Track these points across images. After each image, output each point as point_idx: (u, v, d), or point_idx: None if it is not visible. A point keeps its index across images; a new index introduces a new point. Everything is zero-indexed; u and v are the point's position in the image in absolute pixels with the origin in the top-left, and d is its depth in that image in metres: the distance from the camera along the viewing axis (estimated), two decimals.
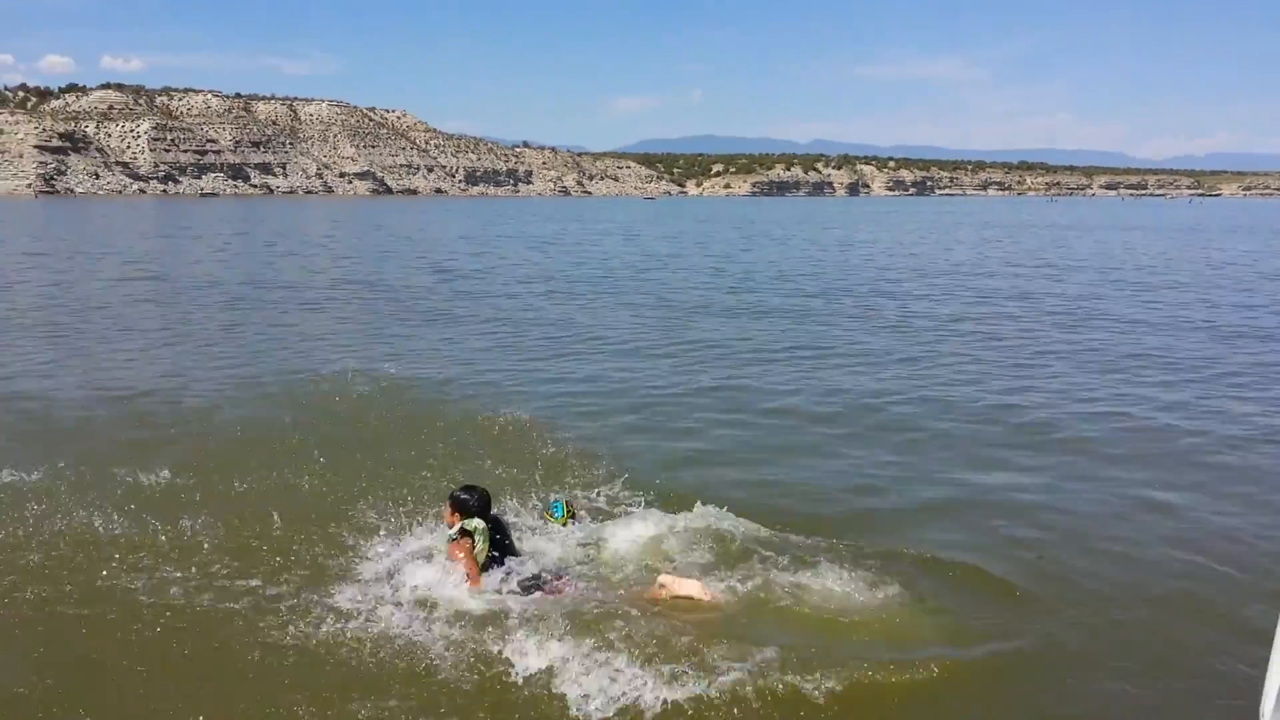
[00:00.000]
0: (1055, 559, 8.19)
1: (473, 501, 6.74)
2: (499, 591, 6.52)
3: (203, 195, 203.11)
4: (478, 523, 6.62)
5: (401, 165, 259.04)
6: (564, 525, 7.68)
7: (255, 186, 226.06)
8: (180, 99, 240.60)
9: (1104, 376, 15.59)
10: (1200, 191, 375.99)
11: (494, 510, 6.99)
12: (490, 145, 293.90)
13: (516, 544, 6.98)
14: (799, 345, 18.71)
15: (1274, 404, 13.77)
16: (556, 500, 7.91)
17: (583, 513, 8.20)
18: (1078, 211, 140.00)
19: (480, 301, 25.78)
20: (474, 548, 6.55)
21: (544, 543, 7.50)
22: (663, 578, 6.75)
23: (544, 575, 6.69)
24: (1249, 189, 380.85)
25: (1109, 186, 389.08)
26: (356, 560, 7.37)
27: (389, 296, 27.05)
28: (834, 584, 7.14)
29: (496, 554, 6.64)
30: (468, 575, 6.54)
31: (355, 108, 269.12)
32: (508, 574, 6.60)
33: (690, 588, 6.63)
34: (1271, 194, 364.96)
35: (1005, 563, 8.02)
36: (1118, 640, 6.81)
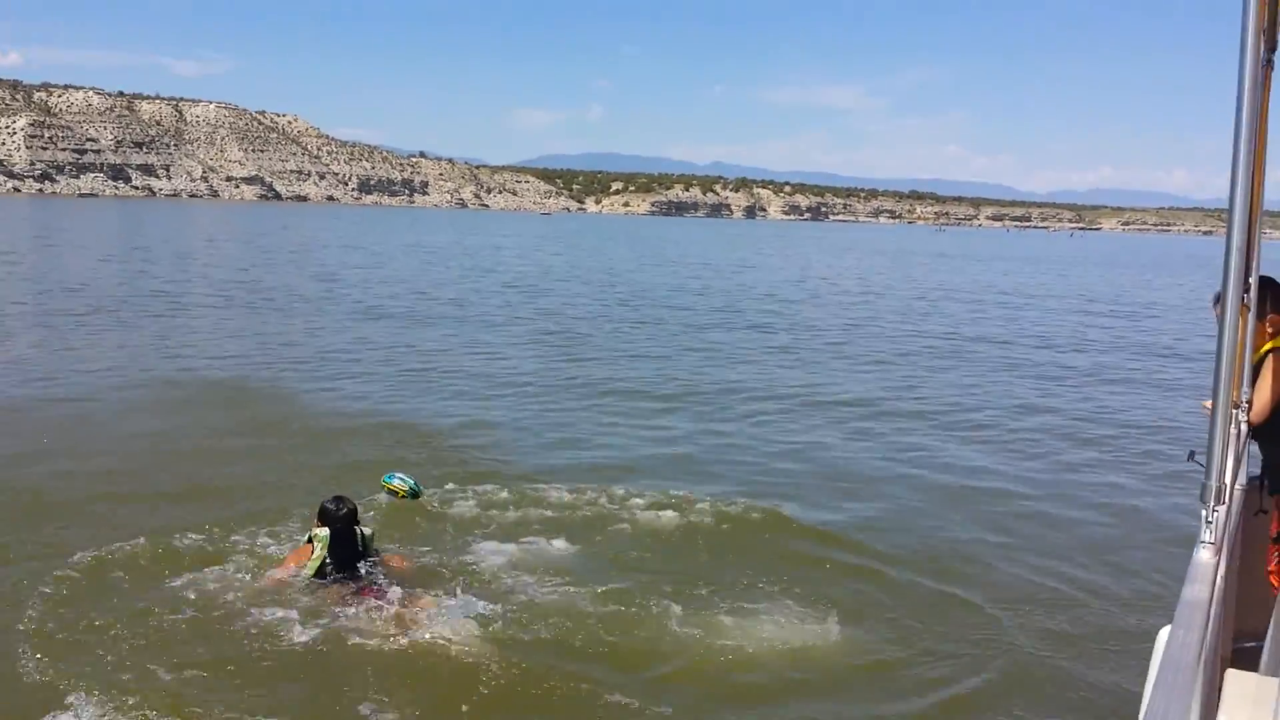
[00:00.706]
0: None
1: (334, 511, 7.25)
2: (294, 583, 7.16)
3: (81, 195, 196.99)
4: (323, 531, 7.18)
5: (292, 171, 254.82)
6: (401, 496, 8.58)
7: (137, 188, 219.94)
8: (60, 95, 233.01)
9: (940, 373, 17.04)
10: (1081, 225, 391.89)
11: (358, 523, 7.42)
12: (385, 154, 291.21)
13: (370, 558, 7.39)
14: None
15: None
16: (389, 474, 8.63)
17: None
18: (963, 242, 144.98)
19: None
20: (312, 553, 7.13)
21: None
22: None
23: (363, 580, 7.16)
24: (1127, 224, 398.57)
25: (995, 218, 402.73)
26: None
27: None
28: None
29: (330, 561, 7.12)
30: (281, 565, 7.34)
31: (244, 110, 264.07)
32: (330, 578, 7.12)
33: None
34: (1147, 229, 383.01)
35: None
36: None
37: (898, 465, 12.22)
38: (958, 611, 7.68)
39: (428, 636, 6.53)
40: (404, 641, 6.49)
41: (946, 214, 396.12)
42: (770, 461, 12.20)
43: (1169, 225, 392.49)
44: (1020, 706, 6.25)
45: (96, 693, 5.71)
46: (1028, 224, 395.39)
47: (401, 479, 8.73)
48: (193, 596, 7.01)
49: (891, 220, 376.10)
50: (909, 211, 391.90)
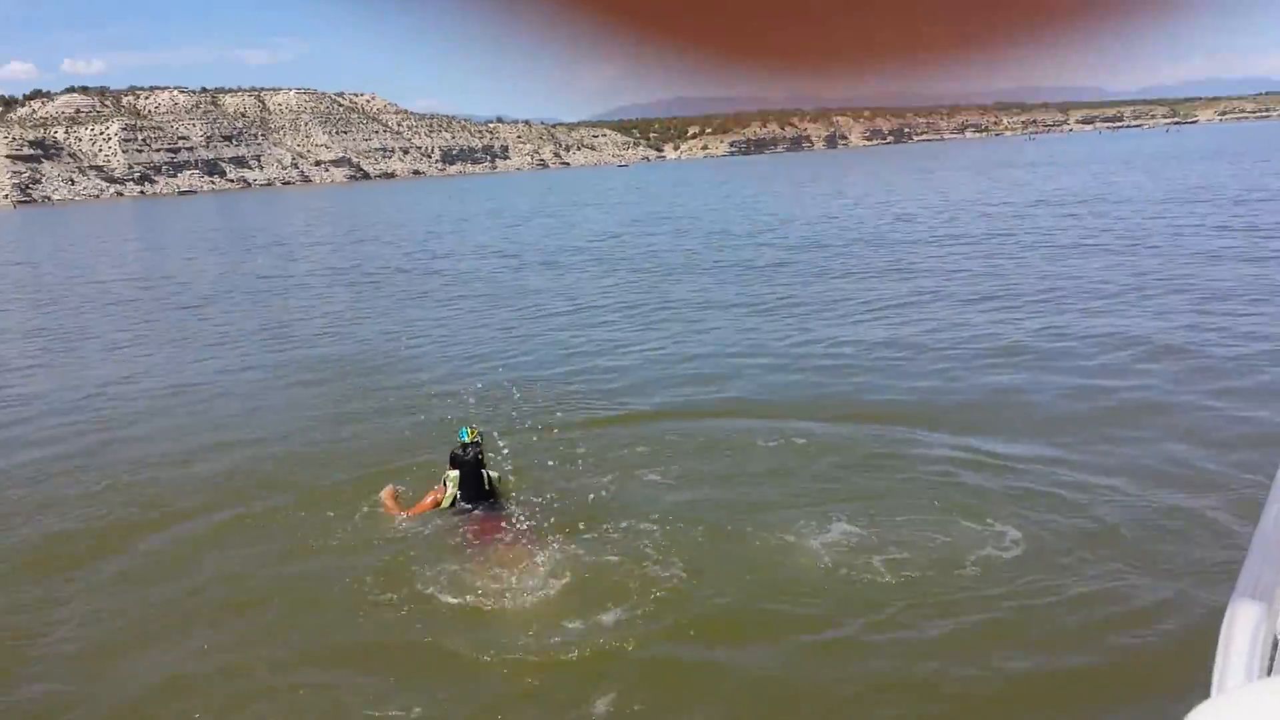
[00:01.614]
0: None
1: (462, 455, 8.30)
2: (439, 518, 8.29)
3: (180, 194, 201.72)
4: (453, 472, 8.30)
5: (376, 149, 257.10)
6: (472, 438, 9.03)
7: (232, 181, 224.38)
8: (147, 97, 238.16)
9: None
10: (1176, 120, 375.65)
11: (484, 467, 8.41)
12: (464, 123, 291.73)
13: (495, 489, 8.48)
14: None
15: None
16: (463, 428, 9.06)
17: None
18: (1056, 148, 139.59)
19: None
20: (445, 490, 8.32)
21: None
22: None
23: (490, 511, 8.22)
24: (1224, 114, 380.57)
25: (1085, 121, 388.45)
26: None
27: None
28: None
29: (461, 495, 8.27)
30: (419, 504, 8.47)
31: (324, 94, 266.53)
32: (461, 510, 8.26)
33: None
34: (1245, 117, 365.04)
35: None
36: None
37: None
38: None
39: (541, 561, 7.27)
40: (518, 567, 7.22)
41: (1034, 122, 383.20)
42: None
43: (1268, 111, 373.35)
44: None
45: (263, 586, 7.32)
46: (1120, 124, 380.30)
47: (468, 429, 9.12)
48: (346, 532, 8.22)
49: (979, 134, 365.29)
50: (995, 124, 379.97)
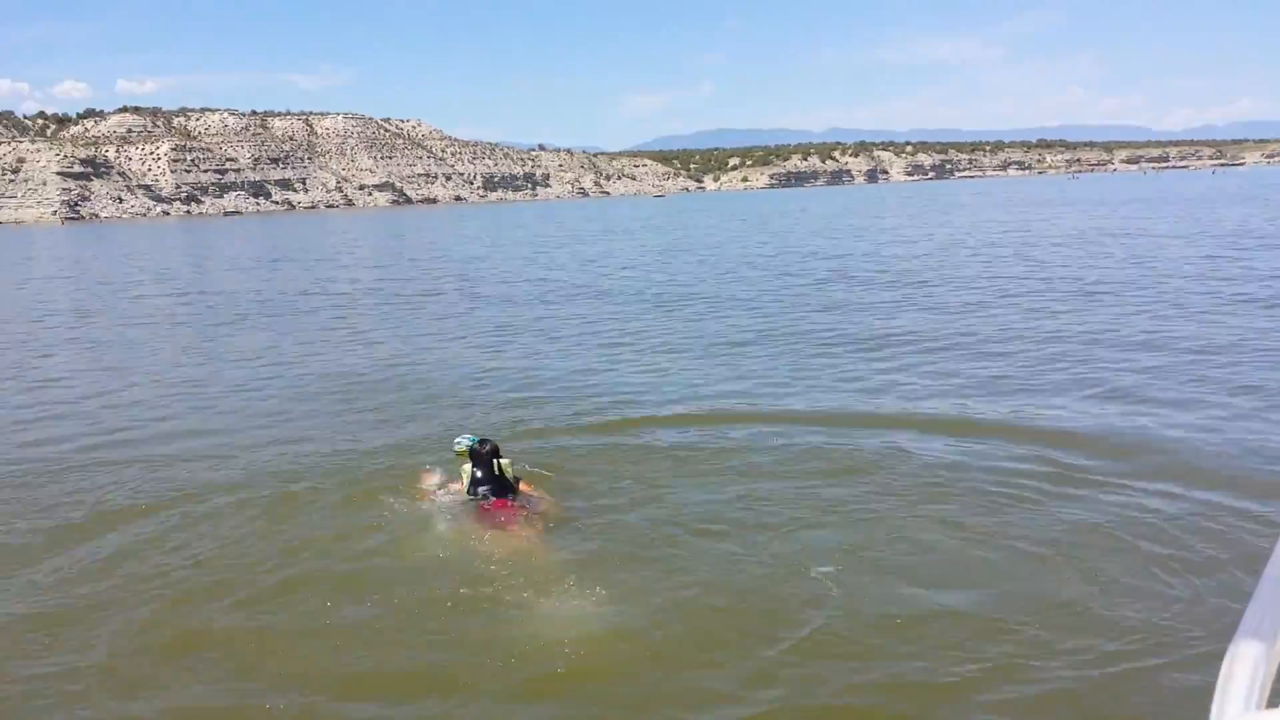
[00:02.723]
0: None
1: (479, 449, 9.35)
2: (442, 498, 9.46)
3: (226, 214, 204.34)
4: (467, 466, 9.32)
5: (420, 174, 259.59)
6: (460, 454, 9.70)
7: (276, 203, 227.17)
8: (197, 119, 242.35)
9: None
10: (1223, 161, 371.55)
11: (499, 458, 9.32)
12: (506, 150, 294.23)
13: (509, 483, 9.33)
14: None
15: None
16: (464, 436, 9.86)
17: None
18: (1100, 188, 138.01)
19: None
20: (463, 481, 9.29)
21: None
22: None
23: (489, 494, 9.17)
24: (1271, 156, 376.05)
25: (1130, 161, 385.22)
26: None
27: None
28: None
29: (476, 484, 9.23)
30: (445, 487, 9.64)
31: (370, 119, 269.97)
32: (478, 496, 9.19)
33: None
34: None
35: None
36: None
37: None
38: None
39: (543, 540, 8.31)
40: (523, 542, 8.29)
41: (1079, 160, 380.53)
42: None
43: None
44: None
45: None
46: (1165, 164, 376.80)
47: (463, 439, 9.83)
48: (382, 515, 9.08)
49: (1021, 172, 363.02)
50: (1038, 161, 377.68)
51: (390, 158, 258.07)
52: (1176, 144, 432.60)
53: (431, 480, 9.75)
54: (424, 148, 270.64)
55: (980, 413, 11.94)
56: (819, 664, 6.02)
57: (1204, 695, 1.69)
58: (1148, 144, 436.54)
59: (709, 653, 6.22)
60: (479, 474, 9.27)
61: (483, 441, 9.40)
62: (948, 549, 7.68)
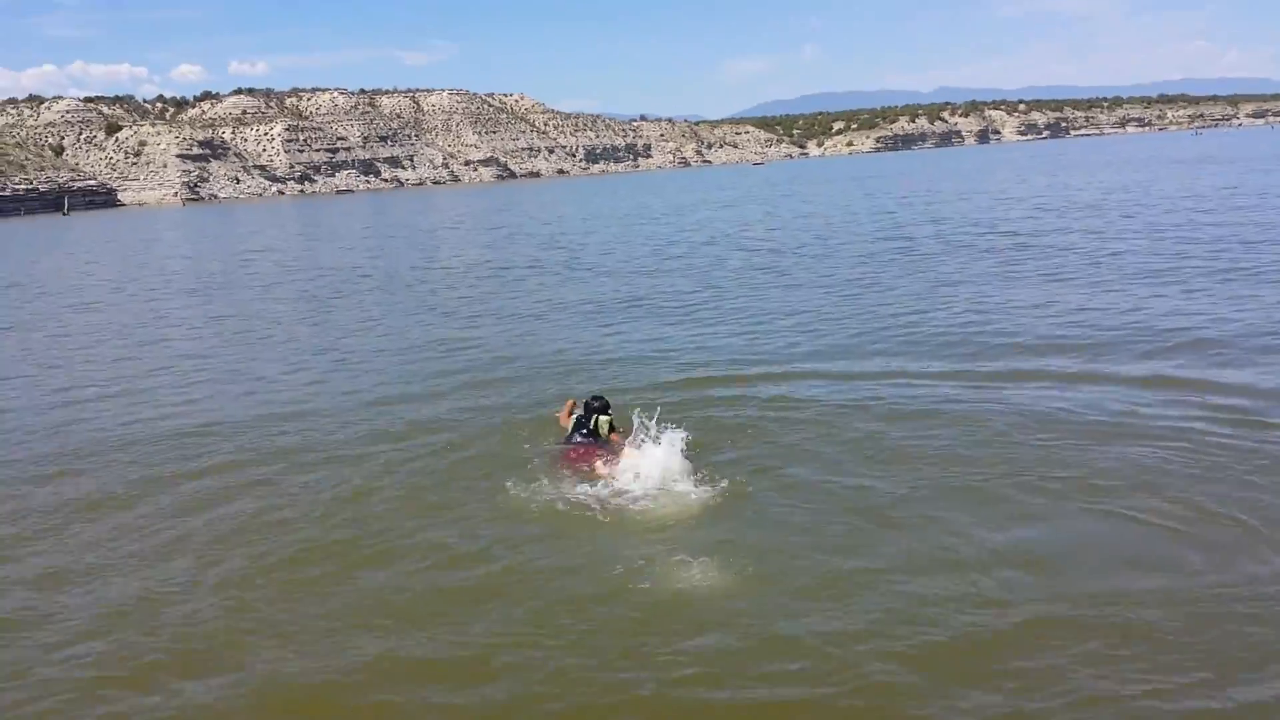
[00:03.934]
0: None
1: (590, 402, 11.06)
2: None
3: (338, 193, 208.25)
4: (579, 412, 11.09)
5: (523, 149, 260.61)
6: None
7: (386, 180, 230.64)
8: (308, 99, 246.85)
9: None
10: None
11: (608, 413, 10.93)
12: (608, 121, 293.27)
13: (602, 434, 10.87)
14: None
15: None
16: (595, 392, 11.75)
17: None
18: (1230, 140, 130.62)
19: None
20: (569, 419, 11.20)
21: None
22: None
23: (594, 442, 10.74)
24: None
25: (1257, 115, 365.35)
26: None
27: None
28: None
29: (579, 428, 10.92)
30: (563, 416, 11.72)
31: (474, 95, 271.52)
32: (576, 440, 10.85)
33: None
34: None
35: None
36: None
37: None
38: None
39: (619, 484, 9.53)
40: (605, 488, 9.57)
41: (1202, 115, 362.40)
42: None
43: None
44: None
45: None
46: None
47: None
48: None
49: (1140, 129, 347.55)
50: (1159, 117, 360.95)
51: (494, 132, 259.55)
52: None
53: (568, 414, 11.43)
54: (527, 121, 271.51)
55: None
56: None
57: None
58: (1275, 97, 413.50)
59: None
60: (582, 420, 10.96)
61: (595, 397, 11.18)
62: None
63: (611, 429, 10.84)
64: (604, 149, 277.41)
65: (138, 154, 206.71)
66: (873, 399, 12.13)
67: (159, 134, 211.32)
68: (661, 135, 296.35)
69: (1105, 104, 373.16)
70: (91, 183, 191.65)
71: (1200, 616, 6.29)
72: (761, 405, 12.24)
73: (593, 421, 10.82)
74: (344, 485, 10.03)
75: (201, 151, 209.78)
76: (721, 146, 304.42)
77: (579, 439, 10.77)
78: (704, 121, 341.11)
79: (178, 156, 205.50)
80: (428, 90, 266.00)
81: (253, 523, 9.12)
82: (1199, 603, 6.49)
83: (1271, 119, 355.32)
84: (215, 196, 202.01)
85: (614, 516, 8.73)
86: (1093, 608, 6.51)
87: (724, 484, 9.31)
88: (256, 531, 8.87)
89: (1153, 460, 9.24)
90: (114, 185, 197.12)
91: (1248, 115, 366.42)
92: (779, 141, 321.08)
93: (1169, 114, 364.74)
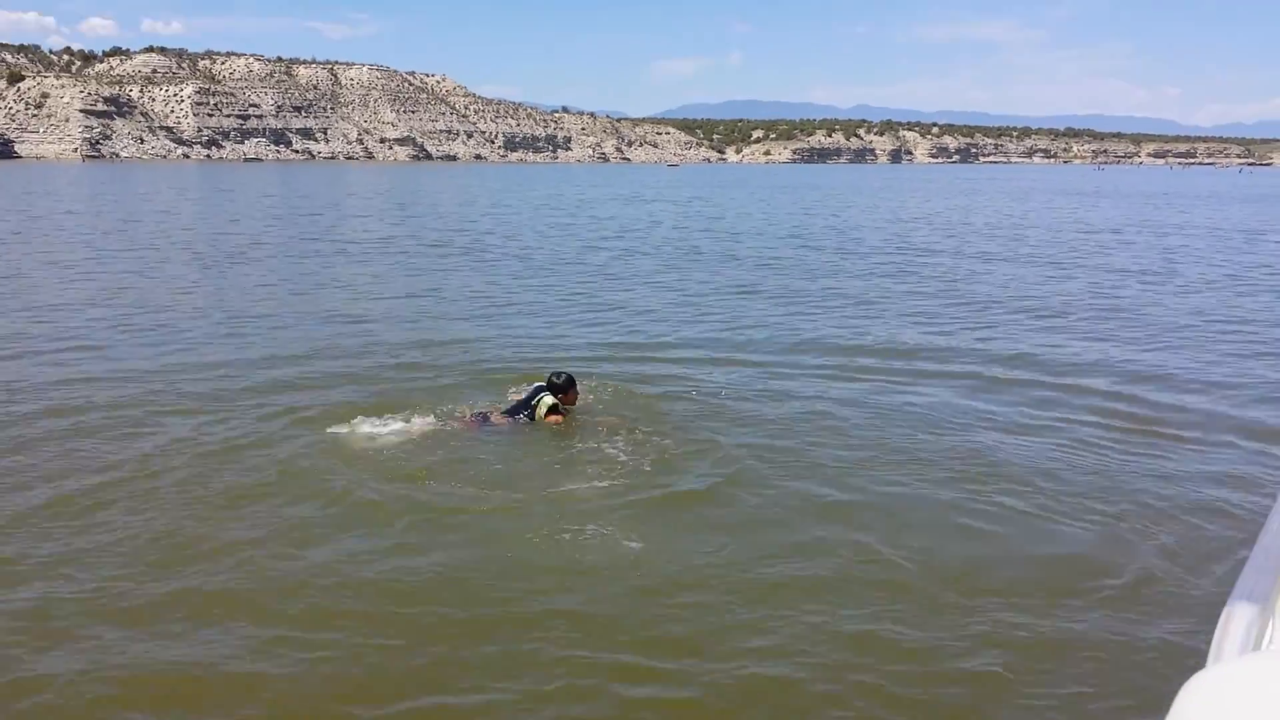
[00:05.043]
0: None
1: (552, 380, 10.24)
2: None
3: (246, 160, 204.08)
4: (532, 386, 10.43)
5: (442, 131, 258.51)
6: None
7: (297, 152, 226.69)
8: (222, 63, 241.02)
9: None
10: (1251, 161, 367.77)
11: (561, 394, 10.17)
12: (529, 110, 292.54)
13: (538, 415, 10.04)
14: None
15: None
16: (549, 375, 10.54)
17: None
18: (1128, 180, 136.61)
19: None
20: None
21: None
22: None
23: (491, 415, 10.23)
24: None
25: (1157, 155, 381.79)
26: None
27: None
28: None
29: (518, 409, 10.17)
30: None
31: (395, 72, 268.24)
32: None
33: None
34: None
35: None
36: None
37: None
38: None
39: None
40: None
41: (1105, 152, 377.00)
42: None
43: None
44: None
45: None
46: (1193, 160, 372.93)
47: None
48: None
49: (1046, 160, 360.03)
50: (1064, 150, 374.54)
51: (413, 112, 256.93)
52: (1205, 140, 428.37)
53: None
54: (447, 104, 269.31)
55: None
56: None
57: None
58: (1176, 139, 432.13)
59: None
60: (527, 399, 10.18)
61: (555, 373, 10.35)
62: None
63: (553, 411, 9.96)
64: (524, 138, 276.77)
65: (39, 106, 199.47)
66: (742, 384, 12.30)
67: (63, 87, 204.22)
68: (583, 129, 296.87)
69: (1015, 133, 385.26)
70: None
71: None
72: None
73: (534, 399, 10.04)
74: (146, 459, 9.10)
75: (106, 108, 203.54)
76: (642, 145, 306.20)
77: (496, 418, 10.06)
78: (626, 119, 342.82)
79: (81, 111, 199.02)
80: (347, 63, 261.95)
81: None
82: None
83: (1172, 160, 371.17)
84: (117, 155, 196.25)
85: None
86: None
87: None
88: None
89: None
90: (12, 137, 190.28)
91: (1149, 155, 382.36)
92: (699, 145, 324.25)
93: (1074, 147, 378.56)
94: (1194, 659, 5.88)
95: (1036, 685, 5.49)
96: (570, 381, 10.23)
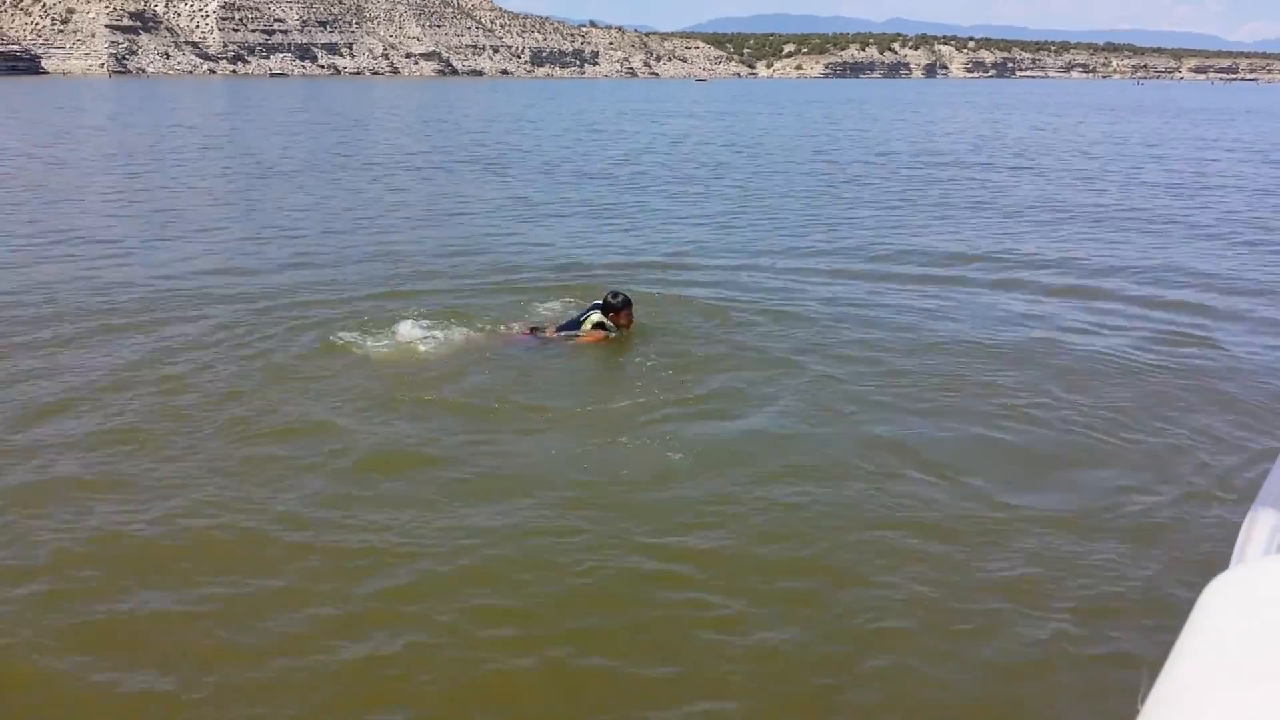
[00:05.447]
0: None
1: (608, 299, 9.91)
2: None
3: (271, 76, 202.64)
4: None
5: (467, 45, 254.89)
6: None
7: (322, 67, 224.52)
8: None
9: None
10: None
11: (612, 312, 9.89)
12: (556, 24, 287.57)
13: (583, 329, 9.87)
14: None
15: None
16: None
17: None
18: (1166, 94, 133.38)
19: None
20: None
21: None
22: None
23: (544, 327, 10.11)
24: None
25: (1198, 70, 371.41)
26: None
27: None
28: None
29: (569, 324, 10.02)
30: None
31: None
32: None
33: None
34: None
35: None
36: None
37: None
38: None
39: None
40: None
41: (1145, 66, 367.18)
42: None
43: None
44: None
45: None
46: (1234, 76, 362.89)
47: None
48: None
49: (1084, 75, 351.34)
50: (1103, 65, 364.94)
51: (439, 26, 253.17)
52: (1249, 55, 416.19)
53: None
54: (473, 18, 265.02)
55: None
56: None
57: None
58: (1219, 54, 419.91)
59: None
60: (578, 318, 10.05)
61: (612, 293, 10.06)
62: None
63: (600, 326, 9.76)
64: (550, 52, 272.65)
65: (65, 21, 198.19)
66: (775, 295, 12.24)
67: (89, 2, 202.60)
68: (610, 43, 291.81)
69: (1053, 48, 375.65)
70: (15, 48, 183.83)
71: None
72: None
73: (580, 318, 9.90)
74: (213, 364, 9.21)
75: (132, 24, 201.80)
76: (670, 60, 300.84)
77: (550, 332, 9.95)
78: (654, 33, 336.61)
79: (107, 27, 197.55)
80: None
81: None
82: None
83: (1213, 75, 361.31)
84: (143, 70, 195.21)
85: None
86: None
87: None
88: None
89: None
90: (38, 52, 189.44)
91: (1190, 70, 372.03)
92: (728, 59, 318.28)
93: (1114, 62, 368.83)
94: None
95: (1063, 598, 5.51)
96: (626, 302, 9.86)
